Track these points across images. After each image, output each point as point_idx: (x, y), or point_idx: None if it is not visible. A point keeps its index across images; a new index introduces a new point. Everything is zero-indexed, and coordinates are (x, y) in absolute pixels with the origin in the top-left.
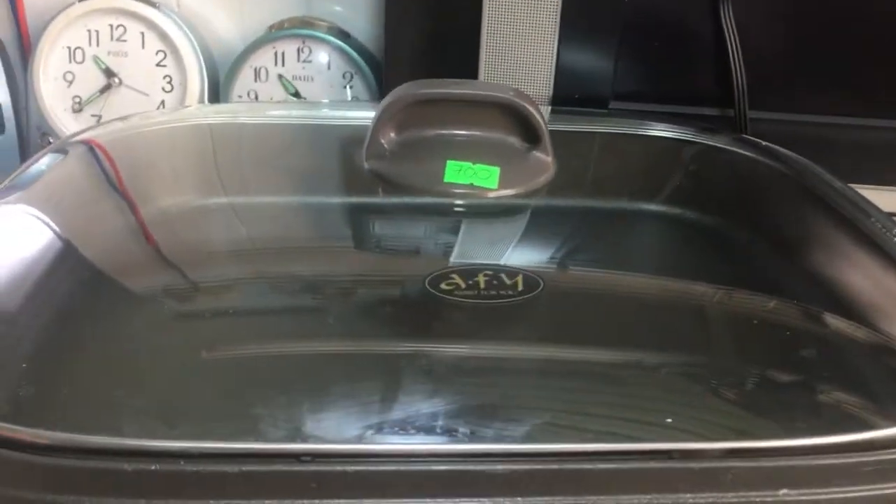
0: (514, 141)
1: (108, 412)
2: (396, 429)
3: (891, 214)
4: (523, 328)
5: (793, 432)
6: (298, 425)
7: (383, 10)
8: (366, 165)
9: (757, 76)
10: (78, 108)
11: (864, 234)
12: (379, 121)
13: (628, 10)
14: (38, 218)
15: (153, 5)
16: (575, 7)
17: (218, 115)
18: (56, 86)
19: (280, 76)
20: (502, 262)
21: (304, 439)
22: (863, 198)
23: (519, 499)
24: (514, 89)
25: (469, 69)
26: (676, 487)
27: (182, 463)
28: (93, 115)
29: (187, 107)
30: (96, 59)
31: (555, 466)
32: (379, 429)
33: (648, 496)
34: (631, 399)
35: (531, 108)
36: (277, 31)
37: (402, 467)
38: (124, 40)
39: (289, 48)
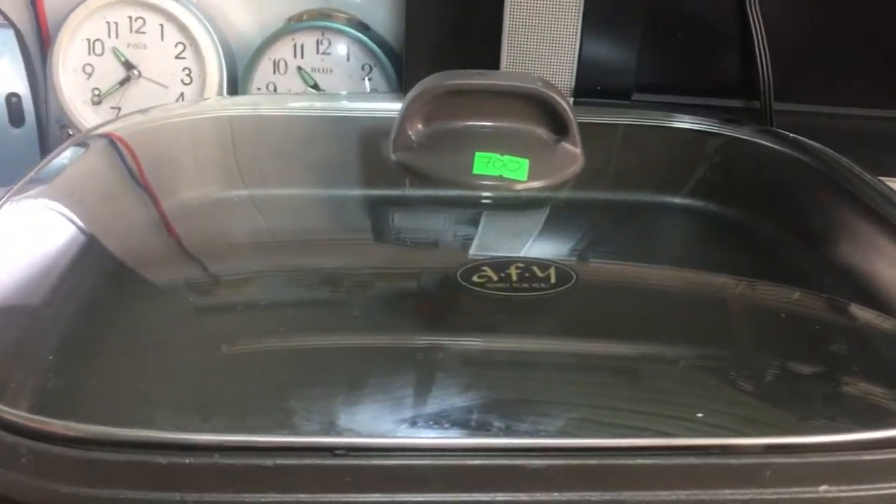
0: (542, 132)
1: (142, 405)
2: (431, 423)
3: None
4: (558, 321)
5: (833, 428)
6: (333, 419)
7: (403, 1)
8: (393, 157)
9: (782, 67)
10: (97, 100)
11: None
12: (406, 112)
13: (651, 1)
14: (62, 211)
15: None
16: None
17: (238, 107)
18: (75, 78)
19: (299, 68)
20: (534, 254)
21: (339, 433)
22: (893, 191)
23: (556, 494)
24: (542, 80)
25: (490, 61)
26: (715, 483)
27: (216, 456)
28: (112, 108)
29: (207, 99)
30: (115, 52)
31: (592, 462)
32: (413, 423)
33: (687, 492)
34: (668, 394)
35: (559, 99)
36: (296, 23)
37: (437, 461)
38: (143, 32)
39: (308, 40)
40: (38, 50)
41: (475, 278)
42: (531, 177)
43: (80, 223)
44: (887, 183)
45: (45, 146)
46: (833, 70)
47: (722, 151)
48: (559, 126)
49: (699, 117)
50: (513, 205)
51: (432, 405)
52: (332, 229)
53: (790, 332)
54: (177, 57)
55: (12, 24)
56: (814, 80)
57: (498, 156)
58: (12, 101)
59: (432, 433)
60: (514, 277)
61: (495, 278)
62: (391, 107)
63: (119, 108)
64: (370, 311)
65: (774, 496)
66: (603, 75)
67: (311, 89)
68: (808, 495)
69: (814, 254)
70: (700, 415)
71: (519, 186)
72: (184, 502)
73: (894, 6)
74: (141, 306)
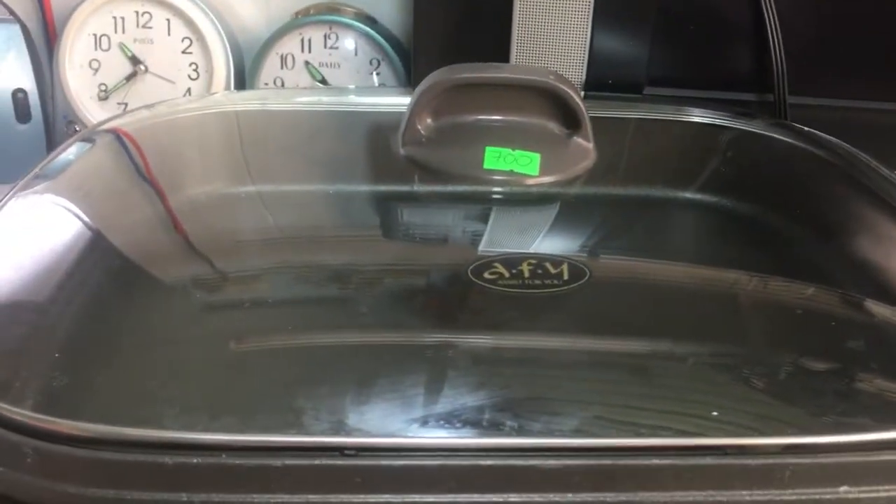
0: (553, 126)
1: (149, 404)
2: (442, 422)
3: None
4: (571, 318)
5: (853, 427)
6: (342, 418)
7: None
8: (402, 152)
9: (796, 60)
10: (104, 95)
11: None
12: (415, 106)
13: None
14: (68, 207)
15: None
16: None
17: (246, 101)
18: (82, 73)
19: (307, 63)
20: (546, 250)
21: (349, 433)
22: None
23: (570, 495)
24: (554, 73)
25: (499, 55)
26: (732, 484)
27: (224, 456)
28: (119, 103)
29: (214, 94)
30: (122, 47)
31: (607, 462)
32: (424, 422)
33: (704, 493)
34: (683, 392)
35: (571, 93)
36: (304, 18)
37: (449, 462)
38: (150, 27)
39: (315, 34)
40: (44, 45)
41: (487, 275)
42: (543, 171)
43: (85, 219)
44: None
45: (52, 142)
46: (848, 63)
47: (735, 145)
48: (571, 120)
49: (712, 110)
50: (524, 200)
51: (443, 404)
52: (341, 225)
53: (807, 330)
54: (184, 52)
55: (18, 20)
56: (828, 74)
57: (509, 150)
58: (18, 96)
59: (443, 433)
60: (527, 274)
61: (507, 275)
62: (400, 101)
63: (126, 104)
64: (380, 308)
65: (793, 497)
66: (614, 69)
67: (318, 84)
68: (827, 496)
69: (829, 249)
70: (715, 413)
71: (530, 181)
72: (191, 503)
73: None
74: (147, 303)
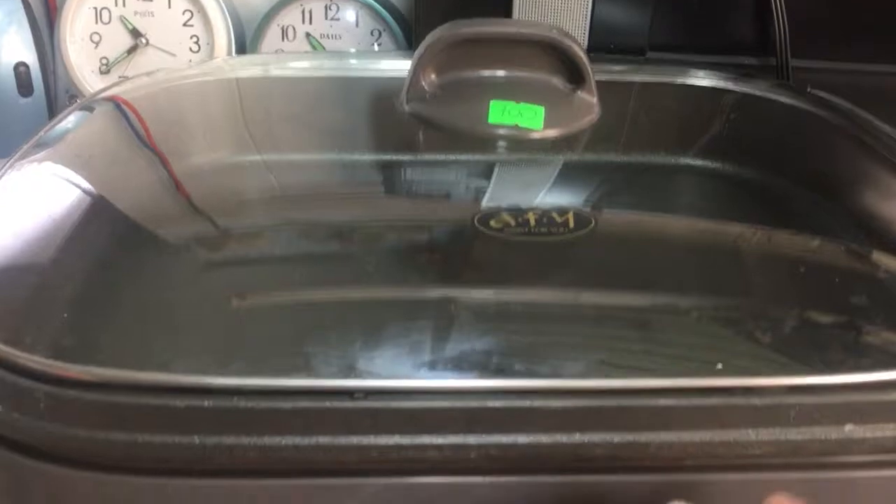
0: (558, 81)
1: (160, 349)
2: (451, 365)
3: None
4: (578, 264)
5: (858, 367)
6: (352, 362)
7: None
8: (406, 108)
9: (799, 22)
10: (105, 69)
11: None
12: (419, 62)
13: None
14: (68, 173)
15: None
16: None
17: (247, 66)
18: (83, 47)
19: (308, 34)
20: (552, 201)
21: (358, 376)
22: None
23: (577, 435)
24: (557, 28)
25: None
26: (738, 424)
27: (235, 399)
28: (120, 77)
29: (215, 59)
30: (123, 20)
31: (613, 403)
32: (433, 365)
33: (710, 433)
34: (689, 336)
35: (575, 47)
36: None
37: (457, 403)
38: (150, 0)
39: (316, 6)
40: (45, 19)
41: (493, 223)
42: (547, 125)
43: (86, 182)
44: None
45: (54, 115)
46: (850, 26)
47: (738, 105)
48: (575, 75)
49: (715, 72)
50: (529, 153)
51: (451, 347)
52: (346, 182)
53: (811, 279)
54: (184, 24)
55: None
56: (831, 37)
57: (513, 103)
58: (20, 70)
59: (452, 375)
60: (533, 223)
61: (513, 223)
62: (402, 64)
63: (127, 77)
64: (387, 257)
65: (799, 436)
66: (616, 34)
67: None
68: (833, 435)
69: (831, 204)
70: (720, 366)
71: (535, 135)
72: (203, 446)
73: None
74: (155, 258)
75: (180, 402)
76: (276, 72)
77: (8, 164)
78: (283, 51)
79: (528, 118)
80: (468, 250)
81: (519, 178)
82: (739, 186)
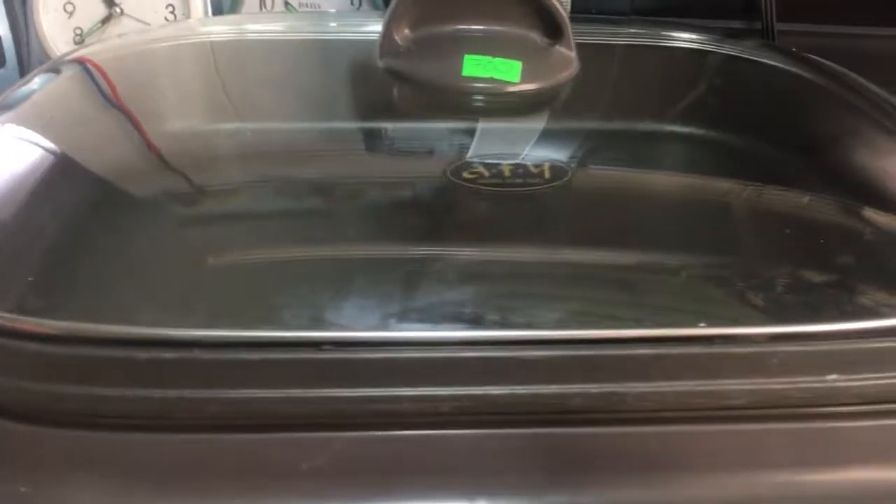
0: (535, 35)
1: (120, 302)
2: (421, 316)
3: None
4: (554, 215)
5: (839, 316)
6: (319, 315)
7: None
8: (380, 64)
9: None
10: (79, 39)
11: None
12: (392, 16)
13: None
14: (27, 133)
15: None
16: None
17: (220, 26)
18: (56, 17)
19: (286, 3)
20: (528, 152)
21: (325, 328)
22: None
23: (554, 386)
24: None
25: None
26: (718, 374)
27: (196, 351)
28: None
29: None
30: None
31: (590, 353)
32: (403, 316)
33: (691, 382)
34: (669, 287)
35: (553, 1)
36: None
37: (427, 354)
38: None
39: None
40: None
41: (466, 174)
42: (524, 79)
43: (46, 143)
44: None
45: None
46: None
47: (716, 64)
48: (553, 29)
49: (695, 32)
50: (505, 106)
51: (422, 299)
52: (315, 139)
53: (792, 231)
54: None
55: None
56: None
57: (489, 58)
58: None
59: (423, 326)
60: (507, 173)
61: (487, 174)
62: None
63: None
64: (355, 211)
65: (780, 385)
66: None
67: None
68: (816, 384)
69: (812, 161)
70: (703, 324)
71: (511, 88)
72: (164, 399)
73: None
74: (116, 214)
75: (142, 355)
76: (249, 33)
77: None
78: None
79: (504, 72)
80: (440, 202)
81: (495, 130)
82: (715, 143)
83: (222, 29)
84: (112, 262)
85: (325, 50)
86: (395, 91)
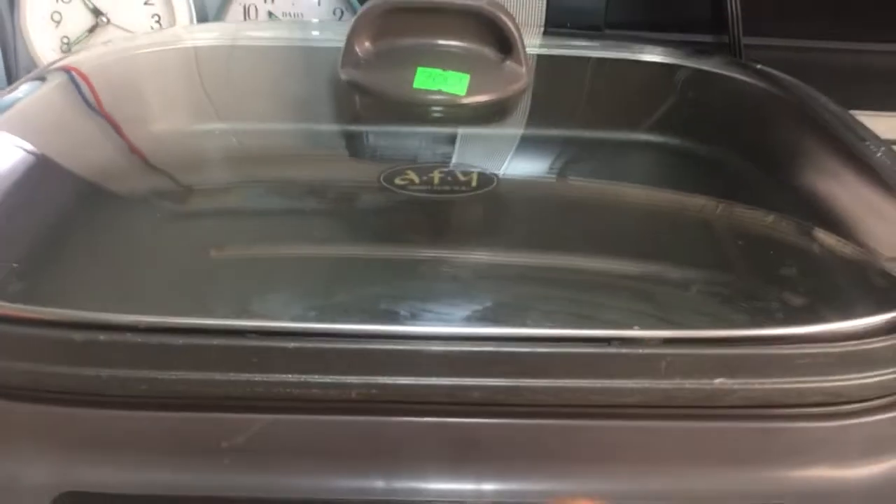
0: (488, 51)
1: (69, 289)
2: (337, 310)
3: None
4: (472, 220)
5: (727, 323)
6: (244, 305)
7: None
8: (342, 75)
9: (751, 1)
10: (66, 48)
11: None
12: (354, 30)
13: None
14: (11, 139)
15: None
16: None
17: (204, 34)
18: (44, 26)
19: (270, 13)
20: (461, 161)
21: (249, 317)
22: (855, 120)
23: (456, 379)
24: (490, 0)
25: None
26: (613, 373)
27: (128, 335)
28: None
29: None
30: None
31: (491, 349)
32: (319, 310)
33: (587, 381)
34: (572, 291)
35: (504, 18)
36: None
37: (340, 345)
38: None
39: None
40: None
41: (398, 181)
42: (471, 92)
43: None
44: (856, 116)
45: None
46: (801, 3)
47: (683, 80)
48: (504, 45)
49: (663, 48)
50: (450, 116)
51: (341, 294)
52: (275, 143)
53: (695, 240)
54: (145, 3)
55: None
56: (782, 14)
57: (439, 71)
58: None
59: (335, 319)
60: (437, 181)
61: (417, 181)
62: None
63: None
64: (292, 209)
65: (670, 386)
66: (572, 12)
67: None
68: (704, 387)
69: (755, 174)
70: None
71: (458, 101)
72: (98, 377)
73: None
74: (76, 213)
75: (78, 336)
76: (231, 40)
77: None
78: None
79: (453, 84)
80: (369, 205)
81: (434, 140)
82: (650, 149)
83: (207, 38)
84: (66, 254)
85: (300, 58)
86: (352, 100)
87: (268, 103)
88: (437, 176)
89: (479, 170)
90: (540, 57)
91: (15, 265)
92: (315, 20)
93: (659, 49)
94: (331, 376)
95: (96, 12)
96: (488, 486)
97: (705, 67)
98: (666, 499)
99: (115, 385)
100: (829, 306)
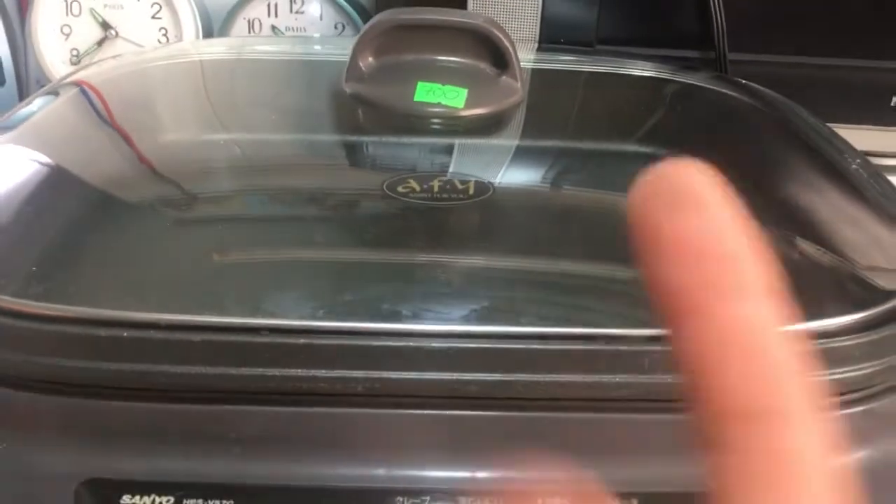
0: (484, 66)
1: (90, 289)
2: (343, 309)
3: (866, 153)
4: (468, 226)
5: None
6: (259, 304)
7: None
8: (346, 89)
9: (737, 17)
10: (76, 60)
11: (832, 166)
12: (358, 45)
13: None
14: (27, 153)
15: None
16: None
17: (212, 49)
18: (54, 39)
19: (273, 27)
20: (460, 170)
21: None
22: (833, 132)
23: (455, 374)
24: (487, 18)
25: None
26: (600, 369)
27: (150, 332)
28: None
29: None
30: (92, 12)
31: (487, 346)
32: (327, 309)
33: (573, 375)
34: (564, 292)
35: (500, 34)
36: None
37: (345, 342)
38: None
39: (281, 0)
40: (17, 11)
41: (400, 188)
42: (468, 105)
43: (44, 161)
44: (836, 130)
45: None
46: (786, 19)
47: (665, 92)
48: (500, 60)
49: (652, 63)
50: (450, 128)
51: (347, 294)
52: (281, 154)
53: None
54: (153, 17)
55: None
56: (767, 30)
57: (438, 85)
58: None
59: (341, 317)
60: (436, 189)
61: (418, 189)
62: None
63: None
64: (300, 215)
65: (649, 381)
66: (565, 29)
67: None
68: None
69: (732, 177)
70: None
71: (457, 114)
72: (120, 371)
73: None
74: (95, 221)
75: (103, 333)
76: (238, 54)
77: None
78: None
79: (452, 98)
80: (372, 211)
81: (434, 150)
82: (636, 158)
83: (215, 52)
84: (88, 258)
85: (305, 71)
86: (356, 113)
87: (276, 115)
88: (436, 184)
89: (476, 179)
90: (534, 71)
91: (34, 269)
92: (317, 35)
93: (648, 64)
94: (338, 371)
95: (105, 26)
96: (482, 474)
97: (692, 81)
98: (652, 484)
99: (136, 378)
100: (805, 308)
